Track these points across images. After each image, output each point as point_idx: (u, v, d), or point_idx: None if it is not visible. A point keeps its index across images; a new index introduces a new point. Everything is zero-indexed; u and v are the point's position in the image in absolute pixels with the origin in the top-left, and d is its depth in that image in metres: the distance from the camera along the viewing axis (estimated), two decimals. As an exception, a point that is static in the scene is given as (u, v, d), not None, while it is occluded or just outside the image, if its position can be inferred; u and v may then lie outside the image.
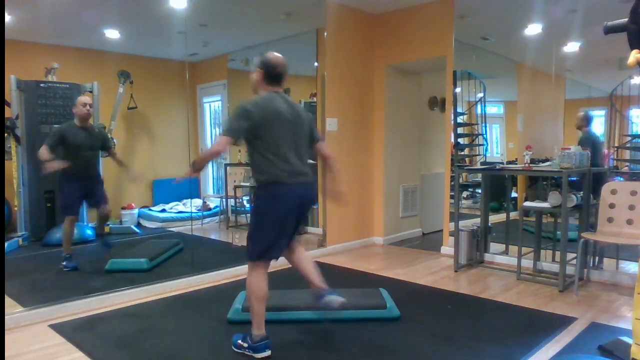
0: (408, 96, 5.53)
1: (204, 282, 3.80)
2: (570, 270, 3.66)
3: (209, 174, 6.74)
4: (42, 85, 4.89)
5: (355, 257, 4.76)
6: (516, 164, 4.64)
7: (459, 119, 5.00)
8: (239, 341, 2.50)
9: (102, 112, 5.19)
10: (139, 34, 5.38)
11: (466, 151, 5.29)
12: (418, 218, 5.81)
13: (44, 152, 3.71)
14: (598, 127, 4.33)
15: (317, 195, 4.98)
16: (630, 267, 3.81)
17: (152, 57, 5.89)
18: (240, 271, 3.90)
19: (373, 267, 4.34)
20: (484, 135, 5.04)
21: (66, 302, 3.16)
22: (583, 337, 2.67)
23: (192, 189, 6.25)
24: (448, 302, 3.35)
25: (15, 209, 4.84)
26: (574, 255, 3.66)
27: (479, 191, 4.65)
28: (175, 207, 6.16)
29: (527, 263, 4.02)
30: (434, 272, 4.15)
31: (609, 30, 1.79)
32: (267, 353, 2.42)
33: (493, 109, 5.15)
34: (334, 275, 4.14)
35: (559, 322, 2.89)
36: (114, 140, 4.93)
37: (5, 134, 4.73)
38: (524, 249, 3.87)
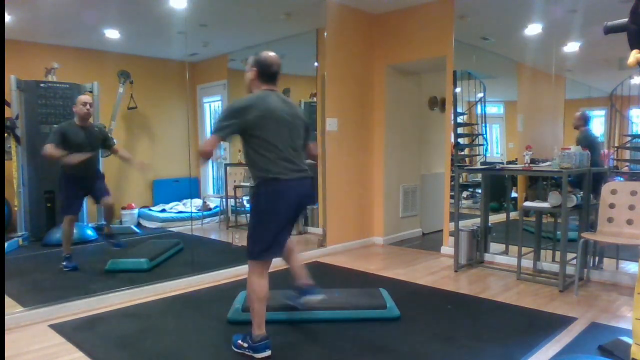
0: (408, 96, 5.53)
1: (204, 282, 3.80)
2: (570, 270, 3.66)
3: (209, 174, 6.74)
4: (42, 85, 4.89)
5: (355, 257, 4.76)
6: (516, 164, 4.64)
7: (459, 119, 5.00)
8: (239, 341, 2.50)
9: (102, 112, 5.19)
10: (139, 34, 5.38)
11: (466, 151, 5.29)
12: (418, 218, 5.81)
13: (52, 149, 3.70)
14: (598, 127, 4.34)
15: (317, 194, 5.04)
16: (630, 267, 3.81)
17: (152, 57, 5.89)
18: (240, 271, 3.90)
19: (373, 267, 4.34)
20: (484, 135, 5.04)
21: (66, 302, 3.16)
22: (583, 337, 2.67)
23: (192, 189, 6.25)
24: (448, 302, 3.35)
25: (15, 209, 4.84)
26: (574, 255, 3.66)
27: (479, 191, 4.65)
28: (175, 207, 6.16)
29: (527, 263, 4.02)
30: (434, 272, 4.15)
31: (609, 30, 1.79)
32: (267, 353, 2.42)
33: (493, 109, 5.15)
34: (334, 275, 4.14)
35: (559, 322, 2.89)
36: (114, 140, 4.92)
37: (5, 134, 4.73)
38: (524, 249, 3.87)
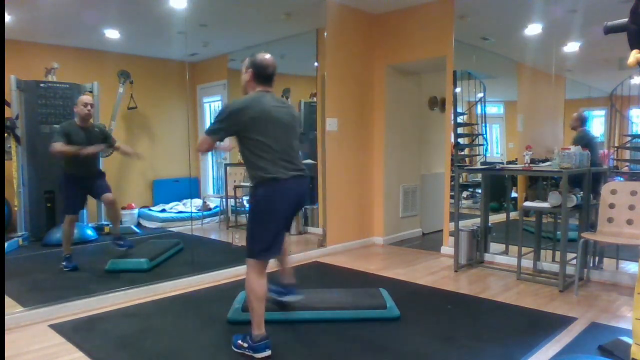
0: (408, 96, 5.53)
1: (204, 282, 3.80)
2: (570, 270, 3.66)
3: (209, 174, 6.74)
4: (42, 85, 4.89)
5: (355, 257, 4.76)
6: (516, 164, 4.64)
7: (459, 119, 5.00)
8: (239, 341, 2.50)
9: (102, 112, 5.19)
10: (139, 34, 5.38)
11: (466, 151, 5.29)
12: (418, 218, 5.81)
13: (61, 146, 3.71)
14: (598, 127, 4.34)
15: (316, 194, 5.04)
16: (630, 267, 3.81)
17: (152, 57, 5.89)
18: (240, 271, 3.90)
19: (373, 267, 4.34)
20: (484, 135, 5.04)
21: (66, 302, 3.16)
22: (583, 337, 2.67)
23: (192, 189, 6.25)
24: (448, 302, 3.35)
25: (15, 209, 4.84)
26: (574, 255, 3.66)
27: (479, 191, 4.65)
28: (175, 207, 6.16)
29: (527, 263, 4.02)
30: (434, 272, 4.15)
31: (609, 30, 1.79)
32: (267, 353, 2.42)
33: (493, 109, 5.15)
34: (334, 275, 4.14)
35: (559, 322, 2.89)
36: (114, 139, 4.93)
37: (5, 134, 4.73)
38: (524, 249, 3.86)
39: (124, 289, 3.44)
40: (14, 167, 4.85)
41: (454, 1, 4.58)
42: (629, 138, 4.20)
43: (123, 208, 5.71)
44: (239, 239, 4.88)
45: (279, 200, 2.41)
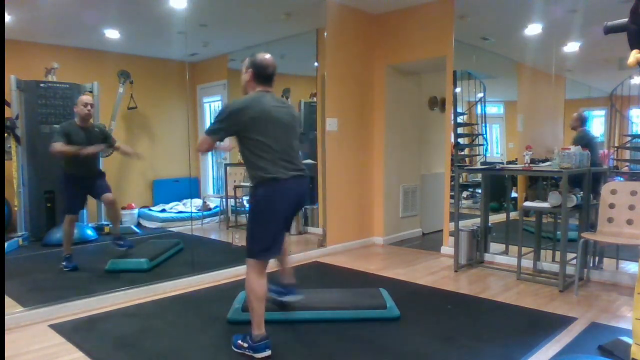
0: (408, 96, 5.53)
1: (204, 282, 3.80)
2: (570, 270, 3.66)
3: (209, 174, 6.74)
4: (42, 85, 4.89)
5: (355, 257, 4.76)
6: (516, 164, 4.64)
7: (459, 119, 5.00)
8: (239, 341, 2.50)
9: (102, 112, 5.19)
10: (139, 34, 5.38)
11: (466, 151, 5.29)
12: (418, 218, 5.81)
13: (62, 146, 3.71)
14: (598, 127, 4.34)
15: (316, 194, 5.04)
16: (630, 267, 3.81)
17: (152, 57, 5.89)
18: (240, 271, 3.90)
19: (373, 267, 4.34)
20: (484, 135, 5.04)
21: (66, 302, 3.16)
22: (583, 337, 2.67)
23: (192, 189, 6.25)
24: (448, 302, 3.35)
25: (15, 209, 4.84)
26: (574, 255, 3.66)
27: (479, 191, 4.65)
28: (175, 207, 6.16)
29: (527, 263, 4.02)
30: (434, 272, 4.15)
31: (609, 30, 1.79)
32: (267, 353, 2.42)
33: (493, 109, 5.15)
34: (334, 275, 4.14)
35: (559, 322, 2.89)
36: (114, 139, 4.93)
37: (5, 134, 4.73)
38: (524, 249, 3.87)
39: (124, 289, 3.44)
40: (14, 167, 4.85)
41: (454, 1, 4.58)
42: (629, 138, 4.20)
43: (123, 208, 5.71)
44: (239, 239, 4.88)
45: (279, 200, 2.41)
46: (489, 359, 2.43)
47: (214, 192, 6.67)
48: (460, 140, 5.10)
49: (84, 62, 5.37)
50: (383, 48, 5.22)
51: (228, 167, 6.15)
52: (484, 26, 4.83)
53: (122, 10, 4.58)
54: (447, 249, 4.76)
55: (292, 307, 2.93)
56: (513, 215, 4.57)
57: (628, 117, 4.11)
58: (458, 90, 4.80)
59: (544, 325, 2.86)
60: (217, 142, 2.46)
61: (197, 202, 6.46)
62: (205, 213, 6.34)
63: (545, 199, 3.70)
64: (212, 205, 6.50)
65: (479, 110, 5.01)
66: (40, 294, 3.35)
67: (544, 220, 4.11)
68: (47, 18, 4.56)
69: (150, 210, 6.02)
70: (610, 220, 3.54)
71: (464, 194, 5.41)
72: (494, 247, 4.50)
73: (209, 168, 6.70)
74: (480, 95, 4.97)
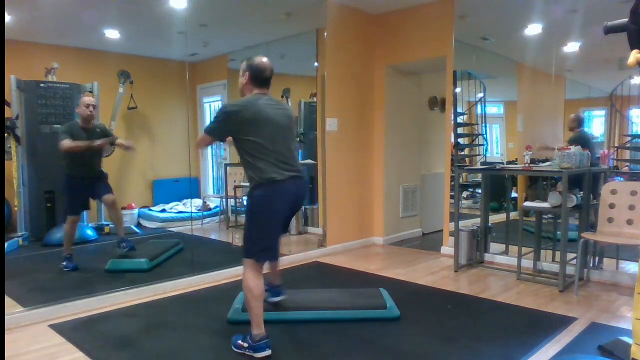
0: (408, 96, 5.53)
1: (204, 282, 3.80)
2: (570, 270, 3.66)
3: (209, 174, 6.74)
4: (42, 85, 4.89)
5: (355, 257, 4.76)
6: (516, 164, 4.64)
7: (459, 119, 5.00)
8: (239, 341, 2.50)
9: (102, 112, 5.18)
10: (139, 34, 5.38)
11: (466, 151, 5.29)
12: (418, 218, 5.80)
13: (70, 143, 3.73)
14: (598, 127, 4.34)
15: (316, 194, 5.04)
16: (630, 267, 3.81)
17: (152, 57, 5.89)
18: (240, 271, 3.85)
19: (373, 267, 4.34)
20: (484, 135, 5.04)
21: (66, 302, 3.16)
22: (583, 337, 2.67)
23: (192, 189, 6.25)
24: (448, 302, 3.35)
25: (15, 209, 4.84)
26: (574, 255, 3.66)
27: (479, 191, 4.65)
28: (175, 207, 6.16)
29: (527, 263, 4.02)
30: (434, 272, 4.15)
31: (609, 30, 1.79)
32: (268, 352, 2.42)
33: (493, 109, 5.15)
34: (334, 275, 4.14)
35: (559, 322, 2.89)
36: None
37: (5, 134, 4.73)
38: (524, 249, 3.87)
39: (124, 289, 3.44)
40: (14, 167, 4.85)
41: (454, 1, 4.58)
42: (629, 138, 4.20)
43: (123, 208, 5.71)
44: (239, 239, 4.88)
45: (276, 201, 2.43)
46: (489, 359, 2.43)
47: (214, 192, 6.67)
48: (460, 140, 5.10)
49: (84, 62, 5.37)
50: (383, 48, 5.22)
51: (228, 167, 6.15)
52: (484, 26, 4.83)
53: (122, 10, 4.58)
54: (447, 249, 4.76)
55: (283, 307, 2.94)
56: (513, 215, 4.57)
57: (628, 117, 4.11)
58: (458, 90, 4.80)
59: (544, 325, 2.86)
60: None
61: (197, 202, 6.46)
62: (205, 213, 6.34)
63: (545, 199, 3.70)
64: (212, 205, 6.50)
65: (479, 110, 5.01)
66: (40, 294, 3.35)
67: (544, 220, 4.10)
68: (47, 18, 4.56)
69: (150, 210, 6.02)
70: (610, 220, 3.54)
71: (464, 194, 5.41)
72: (494, 247, 4.50)
73: (209, 168, 6.70)
74: (480, 95, 4.97)
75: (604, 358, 2.36)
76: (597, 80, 4.35)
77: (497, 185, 4.62)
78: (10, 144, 4.80)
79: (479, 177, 4.78)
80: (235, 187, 6.01)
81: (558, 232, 3.92)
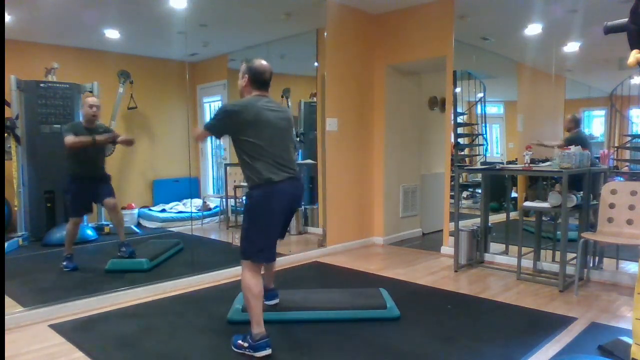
0: (408, 96, 5.53)
1: (204, 282, 3.80)
2: (570, 270, 3.66)
3: (209, 174, 6.74)
4: (42, 85, 4.89)
5: (355, 257, 4.76)
6: (516, 164, 4.64)
7: (459, 119, 5.00)
8: (239, 341, 2.50)
9: (102, 112, 5.18)
10: (139, 34, 5.38)
11: (466, 151, 5.29)
12: (418, 218, 5.80)
13: (74, 138, 3.75)
14: (598, 127, 4.34)
15: (316, 195, 5.04)
16: (630, 267, 3.81)
17: (152, 57, 5.89)
18: (240, 271, 3.88)
19: (373, 267, 4.34)
20: (484, 135, 5.04)
21: (66, 302, 3.16)
22: (583, 337, 2.67)
23: (192, 189, 6.25)
24: (448, 302, 3.35)
25: (15, 209, 4.84)
26: (574, 255, 3.66)
27: (479, 191, 4.65)
28: (175, 207, 6.16)
29: (527, 263, 4.02)
30: (434, 272, 4.15)
31: (609, 30, 1.79)
32: (268, 352, 2.42)
33: (493, 109, 5.15)
34: (334, 275, 4.14)
35: (559, 322, 2.89)
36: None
37: (5, 134, 4.73)
38: (524, 249, 3.86)
39: (124, 289, 3.44)
40: (14, 167, 4.85)
41: (454, 1, 4.58)
42: (629, 138, 4.20)
43: (123, 208, 5.70)
44: (239, 239, 4.87)
45: (274, 202, 2.44)
46: (489, 359, 2.43)
47: (214, 192, 6.67)
48: (460, 140, 5.10)
49: (84, 62, 5.37)
50: (383, 48, 5.22)
51: (228, 167, 6.14)
52: (484, 26, 4.83)
53: (122, 10, 4.58)
54: (447, 249, 4.76)
55: (283, 307, 2.95)
56: (513, 215, 4.57)
57: (628, 117, 4.11)
58: (458, 90, 4.80)
59: (544, 325, 2.86)
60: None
61: (197, 202, 6.46)
62: (205, 213, 6.34)
63: (545, 199, 3.70)
64: (212, 205, 6.50)
65: (479, 110, 5.01)
66: (40, 294, 3.35)
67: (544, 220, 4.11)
68: (47, 18, 4.56)
69: (150, 210, 6.03)
70: (610, 220, 3.54)
71: (464, 194, 5.41)
72: (494, 247, 4.50)
73: (209, 168, 6.70)
74: (480, 95, 4.97)
75: (604, 358, 2.36)
76: (597, 80, 4.35)
77: (497, 185, 4.62)
78: (10, 144, 4.80)
79: (479, 177, 4.78)
80: (235, 187, 6.00)
81: (558, 232, 3.92)
